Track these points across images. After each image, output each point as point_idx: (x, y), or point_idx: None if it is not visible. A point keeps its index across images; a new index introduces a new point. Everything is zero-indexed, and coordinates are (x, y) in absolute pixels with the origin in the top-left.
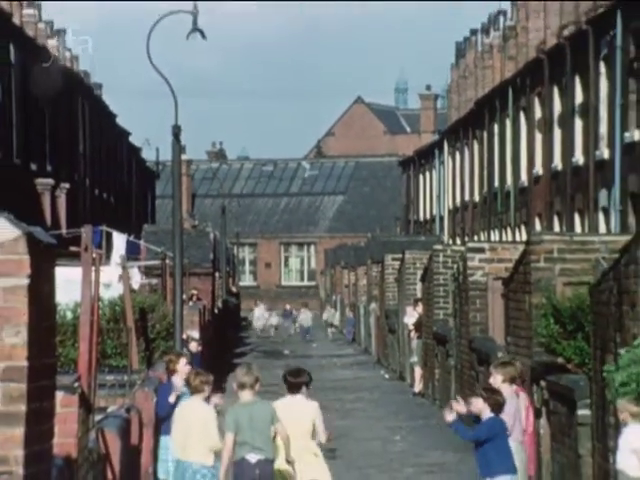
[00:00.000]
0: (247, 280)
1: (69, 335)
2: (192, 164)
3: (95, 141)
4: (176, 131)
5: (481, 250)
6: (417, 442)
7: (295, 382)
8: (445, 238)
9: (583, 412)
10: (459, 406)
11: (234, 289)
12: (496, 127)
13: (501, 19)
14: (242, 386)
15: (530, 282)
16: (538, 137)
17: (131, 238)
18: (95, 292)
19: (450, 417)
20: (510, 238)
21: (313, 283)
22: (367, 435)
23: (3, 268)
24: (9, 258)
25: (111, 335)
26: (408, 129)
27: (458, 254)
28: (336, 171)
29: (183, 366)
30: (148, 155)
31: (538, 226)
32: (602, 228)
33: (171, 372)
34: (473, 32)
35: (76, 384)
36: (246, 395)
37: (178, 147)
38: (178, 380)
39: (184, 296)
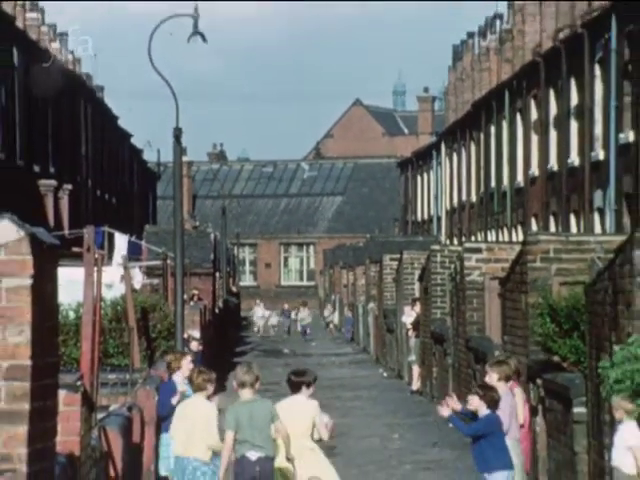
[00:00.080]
0: (247, 280)
1: (72, 334)
2: (193, 165)
3: (97, 143)
4: (177, 133)
5: (478, 250)
6: (415, 439)
7: (296, 381)
8: (442, 238)
9: (579, 410)
10: (454, 403)
11: (234, 289)
12: (493, 129)
13: (498, 22)
14: (242, 385)
15: (526, 282)
16: (534, 138)
17: (133, 239)
18: (97, 292)
19: (445, 412)
20: (507, 238)
21: (312, 283)
22: (366, 433)
23: (6, 268)
24: (12, 258)
25: (113, 334)
26: (406, 131)
27: (455, 254)
28: (335, 172)
29: (187, 364)
30: (149, 157)
31: (534, 226)
32: (597, 228)
33: (172, 371)
34: (470, 35)
35: (79, 383)
36: (246, 393)
37: (179, 149)
38: (179, 378)
39: (185, 296)
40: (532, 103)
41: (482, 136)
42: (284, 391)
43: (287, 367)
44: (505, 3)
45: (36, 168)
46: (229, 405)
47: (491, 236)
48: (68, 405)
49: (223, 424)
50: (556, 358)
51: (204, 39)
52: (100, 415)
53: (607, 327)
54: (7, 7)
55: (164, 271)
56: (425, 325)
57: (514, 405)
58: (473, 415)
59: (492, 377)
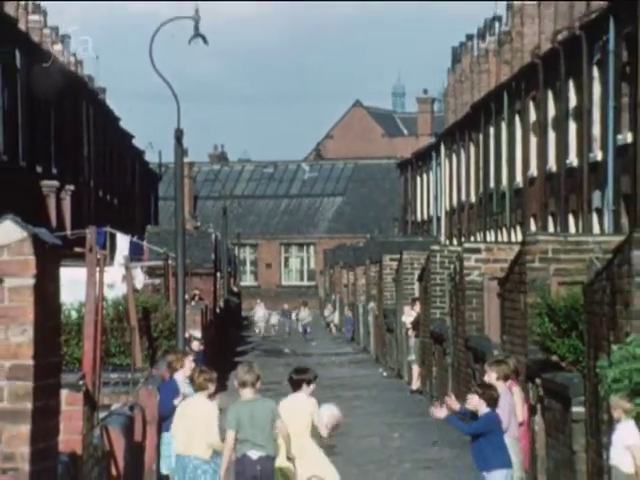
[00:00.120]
0: (248, 280)
1: (74, 334)
2: (194, 166)
3: (99, 144)
4: (178, 134)
5: (477, 250)
6: (415, 438)
7: (297, 379)
8: (442, 239)
9: (577, 409)
10: (452, 403)
11: (235, 289)
12: (492, 130)
13: (496, 24)
14: (243, 384)
15: (525, 282)
16: (533, 140)
17: (134, 239)
18: (99, 292)
19: (441, 413)
20: (505, 238)
21: (313, 283)
22: (365, 432)
23: (9, 268)
24: (15, 259)
25: (115, 334)
26: (406, 132)
27: (455, 254)
28: (335, 173)
29: (189, 363)
30: (151, 158)
31: (533, 227)
32: (596, 229)
33: (173, 370)
34: (469, 37)
35: (81, 382)
36: (247, 393)
37: (180, 150)
38: (181, 377)
39: (186, 296)
40: (531, 104)
41: (481, 137)
42: (285, 390)
43: (288, 367)
44: (504, 5)
45: (39, 169)
46: (230, 404)
47: (490, 236)
48: (70, 404)
49: (224, 423)
50: (555, 357)
51: (205, 41)
52: (102, 414)
53: (605, 327)
54: (10, 10)
55: (165, 271)
56: (425, 325)
57: (513, 404)
58: (473, 415)
59: (491, 376)
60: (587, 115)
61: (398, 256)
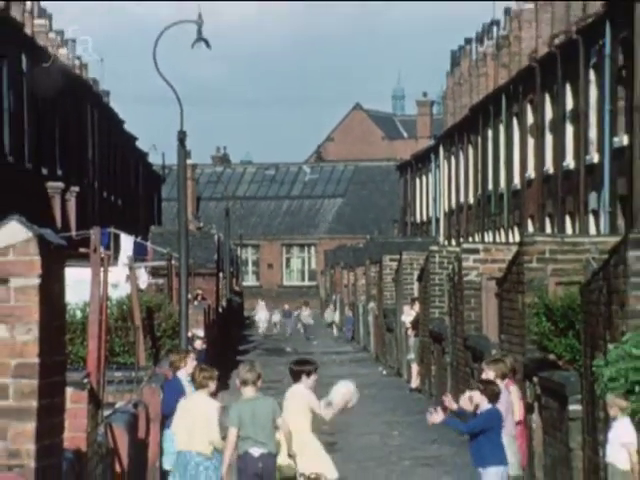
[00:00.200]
0: (250, 280)
1: (78, 333)
2: (197, 168)
3: (103, 146)
4: (181, 137)
5: (475, 251)
6: (414, 436)
7: (296, 370)
8: (441, 239)
9: (574, 407)
10: (450, 403)
11: (237, 289)
12: (490, 132)
13: (495, 29)
14: (245, 382)
15: (523, 282)
16: (530, 142)
17: (138, 240)
18: (103, 292)
19: (436, 418)
20: (503, 239)
21: (314, 283)
22: (365, 429)
23: (15, 268)
24: (21, 259)
25: (119, 333)
26: (405, 134)
27: (453, 255)
28: (336, 175)
29: (191, 362)
30: (155, 159)
31: (530, 228)
32: (592, 230)
33: (176, 369)
34: (468, 41)
35: (85, 380)
36: (249, 391)
37: (183, 152)
38: (184, 375)
39: (189, 295)
40: (528, 107)
41: (479, 139)
42: (286, 389)
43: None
44: (502, 10)
45: (44, 171)
46: (232, 403)
47: (488, 237)
48: (75, 402)
49: (226, 421)
50: (552, 356)
51: (208, 45)
52: (106, 412)
53: (602, 326)
54: (16, 14)
55: (169, 271)
56: (424, 324)
57: (510, 402)
58: (474, 415)
59: (489, 375)
60: (584, 118)
61: (398, 257)
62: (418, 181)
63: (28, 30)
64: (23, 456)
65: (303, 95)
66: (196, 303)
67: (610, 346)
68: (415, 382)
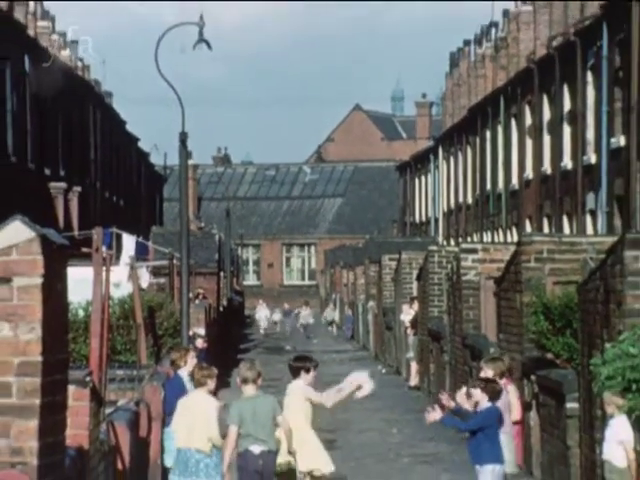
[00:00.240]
0: (251, 279)
1: (81, 332)
2: (198, 168)
3: (106, 147)
4: (183, 137)
5: (474, 251)
6: (413, 434)
7: (295, 366)
8: (440, 239)
9: (571, 405)
10: (447, 401)
11: (238, 288)
12: (488, 133)
13: (493, 30)
14: (245, 381)
15: (521, 281)
16: (528, 143)
17: (140, 239)
18: (106, 291)
19: (434, 416)
20: (502, 239)
21: (314, 282)
22: (365, 427)
23: (18, 268)
24: (24, 258)
25: (121, 332)
26: (404, 135)
27: (452, 254)
28: (336, 175)
29: (192, 360)
30: (156, 160)
31: (528, 228)
32: (589, 230)
33: (177, 367)
34: (466, 43)
35: (87, 378)
36: (249, 389)
37: (185, 152)
38: (185, 373)
39: (190, 295)
40: (526, 108)
41: (478, 140)
42: (285, 387)
43: None
44: (500, 10)
45: (47, 171)
46: (233, 401)
47: (487, 237)
48: (77, 400)
49: (226, 419)
50: (549, 355)
51: (209, 46)
52: (108, 410)
53: (599, 325)
54: (19, 16)
55: (170, 271)
56: (423, 323)
57: (507, 402)
58: (472, 412)
59: (487, 373)
60: (581, 119)
61: (397, 256)
62: (417, 181)
63: (31, 32)
64: (26, 453)
65: (303, 95)
66: (197, 302)
67: (607, 345)
68: (414, 380)
